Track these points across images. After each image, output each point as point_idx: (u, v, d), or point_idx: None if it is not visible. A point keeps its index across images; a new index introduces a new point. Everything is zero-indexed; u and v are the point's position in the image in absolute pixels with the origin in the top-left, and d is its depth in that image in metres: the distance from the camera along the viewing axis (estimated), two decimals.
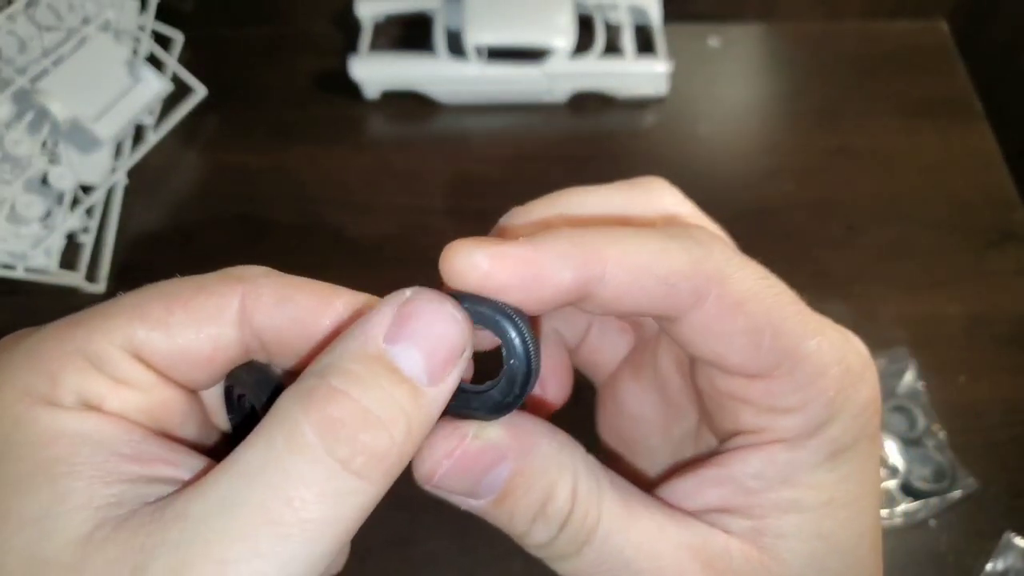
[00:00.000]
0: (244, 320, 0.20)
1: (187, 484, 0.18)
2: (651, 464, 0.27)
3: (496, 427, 0.20)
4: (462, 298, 0.19)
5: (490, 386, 0.20)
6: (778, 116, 0.68)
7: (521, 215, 0.25)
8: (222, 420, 0.23)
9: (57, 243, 0.57)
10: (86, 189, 0.59)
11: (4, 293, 0.57)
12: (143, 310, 0.20)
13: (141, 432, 0.19)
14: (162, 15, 0.65)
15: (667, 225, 0.23)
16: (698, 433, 0.25)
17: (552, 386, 0.27)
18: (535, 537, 0.21)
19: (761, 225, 0.60)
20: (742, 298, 0.20)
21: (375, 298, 0.20)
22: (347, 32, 0.71)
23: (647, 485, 0.23)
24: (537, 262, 0.19)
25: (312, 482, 0.16)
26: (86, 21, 0.58)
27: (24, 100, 0.55)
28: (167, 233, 0.61)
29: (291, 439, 0.17)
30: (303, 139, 0.66)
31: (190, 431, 0.21)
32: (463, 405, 0.20)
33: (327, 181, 0.64)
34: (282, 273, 0.22)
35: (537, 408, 0.27)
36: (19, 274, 0.56)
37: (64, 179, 0.56)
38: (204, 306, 0.20)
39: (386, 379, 0.18)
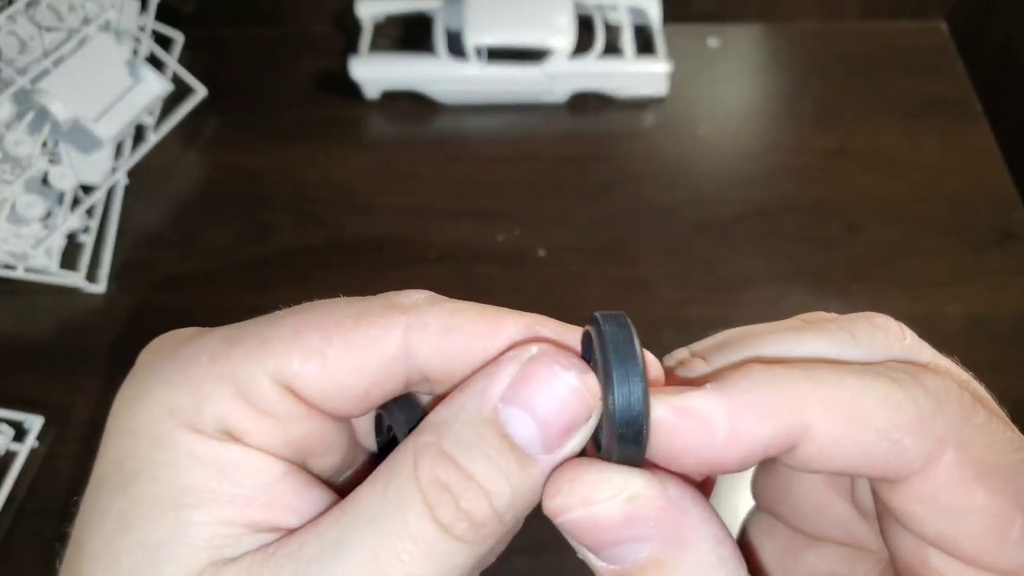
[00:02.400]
0: (408, 354, 0.19)
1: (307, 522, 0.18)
2: (809, 547, 0.23)
3: (659, 498, 0.16)
4: (596, 346, 0.17)
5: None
6: (778, 116, 0.68)
7: (698, 361, 0.20)
8: (370, 441, 0.22)
9: (57, 243, 0.57)
10: (86, 189, 0.59)
11: (4, 293, 0.57)
12: (301, 339, 0.18)
13: (279, 470, 0.18)
14: (162, 15, 0.65)
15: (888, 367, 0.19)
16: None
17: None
18: None
19: (761, 225, 0.60)
20: (985, 470, 0.16)
21: (544, 319, 0.19)
22: (347, 32, 0.71)
23: None
24: (735, 419, 0.16)
25: (420, 539, 0.16)
26: (86, 21, 0.58)
27: (25, 100, 0.55)
28: (167, 233, 0.61)
29: (402, 494, 0.16)
30: (303, 139, 0.66)
31: (335, 457, 0.20)
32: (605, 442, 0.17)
33: (327, 181, 0.64)
34: (445, 298, 0.19)
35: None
36: (19, 274, 0.56)
37: (64, 179, 0.56)
38: (365, 338, 0.18)
39: (495, 446, 0.17)
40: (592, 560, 0.17)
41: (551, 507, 0.17)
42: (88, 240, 0.59)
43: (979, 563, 0.17)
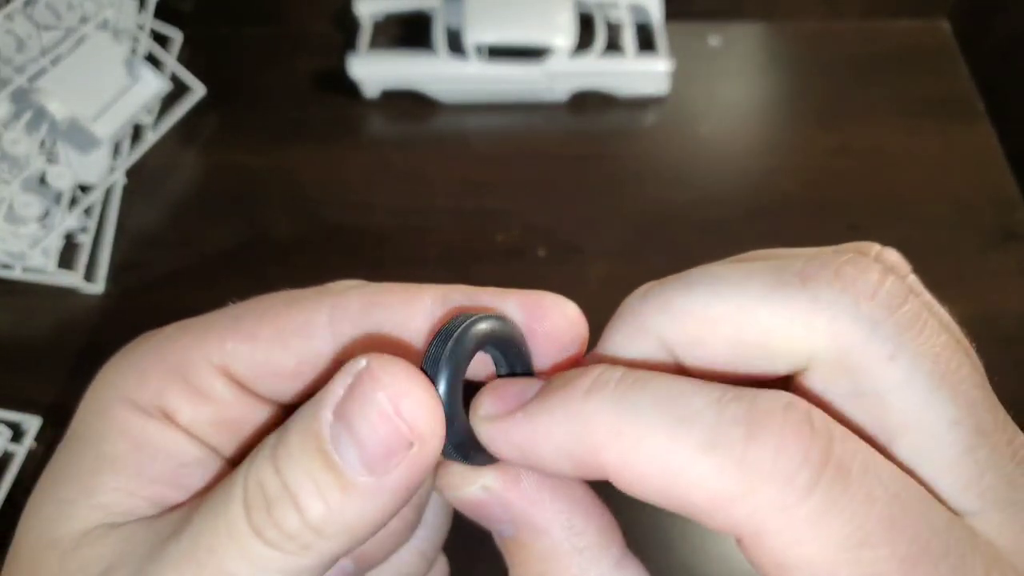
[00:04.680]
0: (335, 333, 0.20)
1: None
2: None
3: (511, 490, 0.18)
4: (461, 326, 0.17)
5: None
6: (779, 115, 0.68)
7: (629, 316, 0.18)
8: None
9: (55, 243, 0.57)
10: (84, 189, 0.59)
11: (1, 293, 0.57)
12: (237, 324, 0.20)
13: (196, 454, 0.20)
14: (161, 14, 0.65)
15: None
16: None
17: None
18: None
19: (762, 224, 0.60)
20: (788, 564, 0.14)
21: (459, 287, 0.19)
22: (346, 31, 0.70)
23: None
24: (532, 447, 0.16)
25: (236, 536, 0.16)
26: (84, 20, 0.58)
27: (22, 99, 0.55)
28: (166, 233, 0.61)
29: (232, 490, 0.17)
30: (303, 139, 0.66)
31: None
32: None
33: (327, 181, 0.64)
34: (375, 283, 0.20)
35: None
36: (17, 274, 0.56)
37: (62, 178, 0.56)
38: (292, 320, 0.20)
39: (314, 463, 0.16)
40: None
41: (436, 485, 0.19)
42: (86, 240, 0.59)
43: None
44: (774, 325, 0.16)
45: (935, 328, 0.16)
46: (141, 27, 0.63)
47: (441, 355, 0.17)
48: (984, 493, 0.15)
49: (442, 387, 0.17)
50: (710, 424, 0.14)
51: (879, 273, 0.16)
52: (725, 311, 0.17)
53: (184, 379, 0.20)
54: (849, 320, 0.16)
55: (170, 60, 0.63)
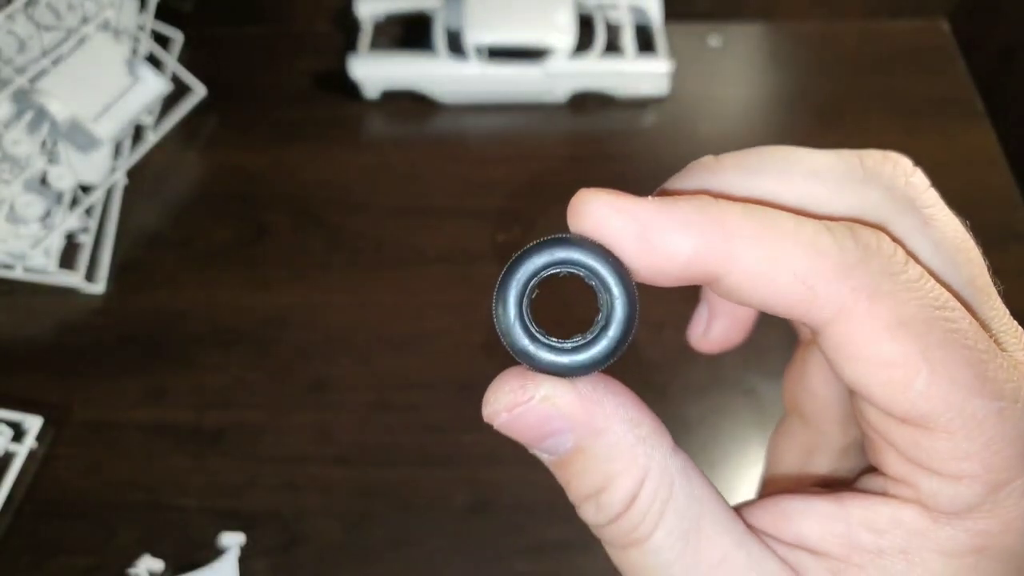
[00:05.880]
0: None
1: None
2: (821, 444, 0.24)
3: (569, 395, 0.18)
4: (566, 243, 0.18)
5: (576, 342, 0.18)
6: (779, 115, 0.68)
7: (700, 172, 0.21)
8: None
9: (56, 243, 0.57)
10: (85, 189, 0.59)
11: (3, 293, 0.57)
12: None
13: None
14: (161, 14, 0.65)
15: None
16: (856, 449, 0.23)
17: (720, 325, 0.25)
18: (584, 514, 0.20)
19: None
20: (897, 321, 0.17)
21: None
22: (347, 32, 0.71)
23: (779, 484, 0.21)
24: (655, 223, 0.17)
25: None
26: (85, 20, 0.58)
27: (23, 100, 0.55)
28: (166, 233, 0.61)
29: None
30: (303, 139, 0.66)
31: None
32: (541, 358, 0.18)
33: (327, 181, 0.64)
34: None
35: (701, 342, 0.26)
36: (18, 274, 0.56)
37: (63, 179, 0.56)
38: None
39: None
40: (536, 452, 0.19)
41: (485, 414, 0.19)
42: (87, 240, 0.59)
43: (890, 411, 0.17)
44: (840, 188, 0.19)
45: (949, 212, 0.20)
46: (142, 28, 0.63)
47: (503, 277, 0.18)
48: (990, 323, 0.19)
49: (509, 303, 0.18)
50: (823, 222, 0.17)
51: (911, 163, 0.20)
52: (805, 166, 0.20)
53: None
54: (902, 188, 0.20)
55: (171, 61, 0.63)
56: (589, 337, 0.18)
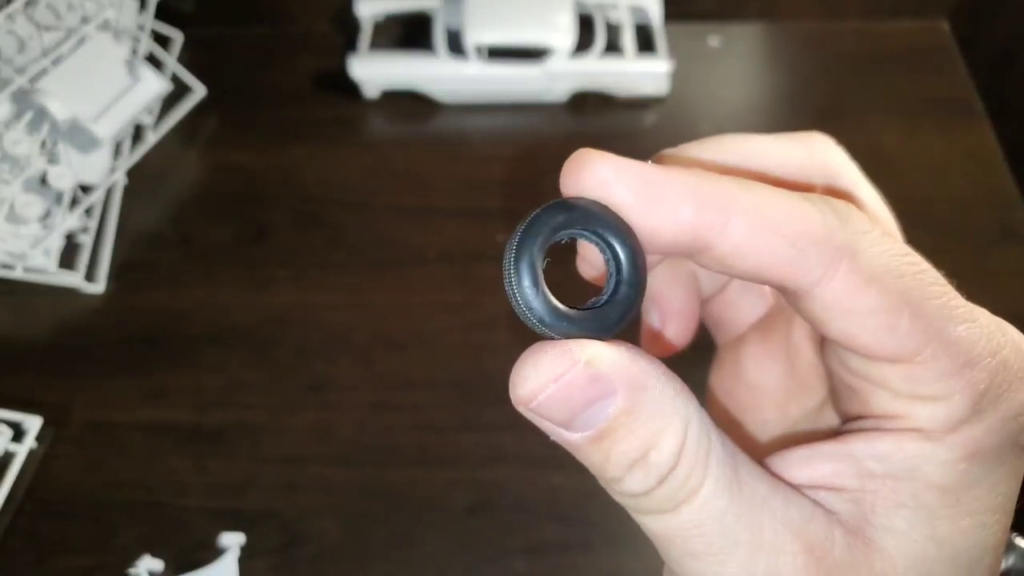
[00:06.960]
0: None
1: None
2: (760, 435, 0.26)
3: (610, 357, 0.18)
4: (574, 207, 0.18)
5: (593, 304, 0.18)
6: (779, 115, 0.68)
7: (672, 154, 0.23)
8: None
9: (56, 243, 0.57)
10: (85, 189, 0.59)
11: (3, 293, 0.57)
12: None
13: None
14: (161, 14, 0.65)
15: (825, 192, 0.23)
16: (819, 412, 0.24)
17: (674, 325, 0.26)
18: (630, 486, 0.19)
19: None
20: (876, 273, 0.18)
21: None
22: (347, 32, 0.71)
23: (753, 452, 0.21)
24: (660, 185, 0.18)
25: None
26: (85, 20, 0.58)
27: (23, 100, 0.55)
28: (166, 233, 0.61)
29: None
30: (303, 139, 0.66)
31: None
32: (572, 321, 0.18)
33: (327, 181, 0.64)
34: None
35: (652, 346, 0.26)
36: (18, 274, 0.56)
37: (63, 179, 0.56)
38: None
39: None
40: (566, 437, 0.19)
41: (524, 392, 0.18)
42: (87, 240, 0.59)
43: (879, 355, 0.19)
44: (790, 155, 0.24)
45: (867, 181, 0.25)
46: (142, 28, 0.63)
47: (515, 243, 0.18)
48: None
49: (525, 271, 0.18)
50: (802, 194, 0.19)
51: (833, 140, 0.25)
52: (757, 146, 0.23)
53: None
54: (833, 160, 0.24)
55: (171, 61, 0.63)
56: (605, 296, 0.19)
